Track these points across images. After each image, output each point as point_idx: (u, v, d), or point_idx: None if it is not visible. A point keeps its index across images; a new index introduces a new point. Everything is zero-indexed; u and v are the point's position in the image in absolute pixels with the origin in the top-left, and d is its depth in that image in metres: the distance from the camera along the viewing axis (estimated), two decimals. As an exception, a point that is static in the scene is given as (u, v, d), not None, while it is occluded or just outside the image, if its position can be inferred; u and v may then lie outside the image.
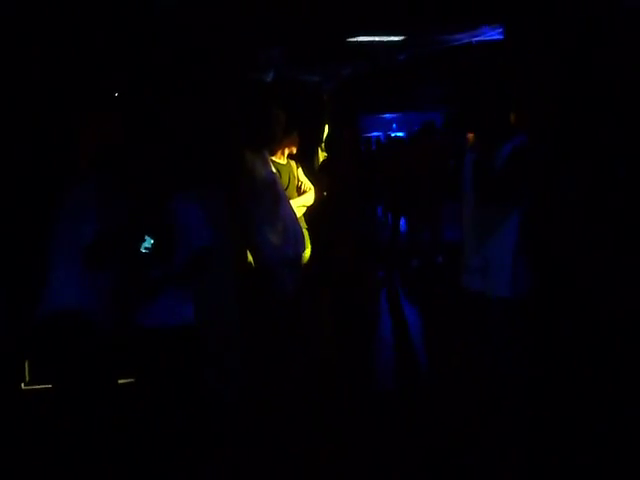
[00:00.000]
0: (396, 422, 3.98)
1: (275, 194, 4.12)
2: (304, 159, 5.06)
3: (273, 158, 4.33)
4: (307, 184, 4.65)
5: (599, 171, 3.13)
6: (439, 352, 5.17)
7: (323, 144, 6.91)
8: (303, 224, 4.59)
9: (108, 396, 3.03)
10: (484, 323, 3.10)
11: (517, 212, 2.87)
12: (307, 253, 4.55)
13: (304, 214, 4.63)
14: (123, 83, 4.13)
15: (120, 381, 3.14)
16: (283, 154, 4.51)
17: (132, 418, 3.19)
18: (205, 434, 3.39)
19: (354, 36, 5.69)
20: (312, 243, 4.63)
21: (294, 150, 4.62)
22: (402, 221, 8.82)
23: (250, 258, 4.22)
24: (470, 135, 4.17)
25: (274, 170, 4.18)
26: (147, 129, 3.59)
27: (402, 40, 6.15)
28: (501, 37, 5.49)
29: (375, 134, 17.08)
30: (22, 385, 4.38)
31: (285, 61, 5.93)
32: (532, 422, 3.01)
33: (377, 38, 6.03)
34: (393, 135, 15.85)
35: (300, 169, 4.67)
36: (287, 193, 4.34)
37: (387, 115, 18.22)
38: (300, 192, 4.59)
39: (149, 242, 3.10)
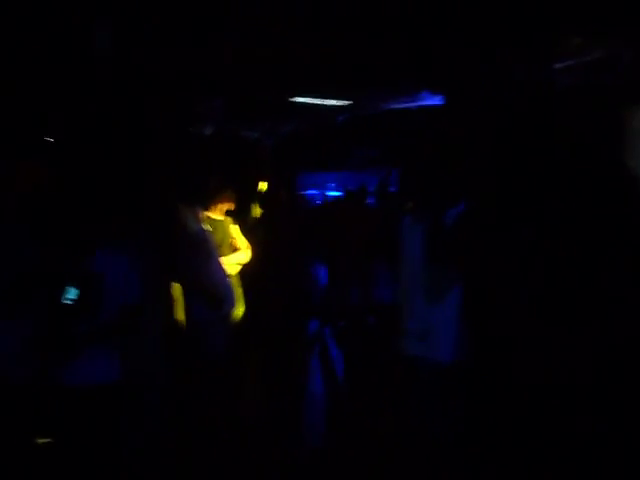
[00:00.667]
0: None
1: (206, 251, 4.00)
2: (240, 215, 4.97)
3: (209, 214, 4.20)
4: (241, 242, 4.52)
5: (541, 238, 3.14)
6: (368, 412, 5.06)
7: (259, 200, 6.86)
8: (237, 282, 4.44)
9: (22, 455, 2.78)
10: (418, 387, 3.04)
11: (461, 277, 2.84)
12: (239, 312, 4.40)
13: (238, 272, 4.49)
14: (56, 130, 4.00)
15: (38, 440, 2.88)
16: (219, 210, 4.37)
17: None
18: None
19: (296, 96, 5.71)
20: (245, 301, 4.48)
21: (232, 206, 4.48)
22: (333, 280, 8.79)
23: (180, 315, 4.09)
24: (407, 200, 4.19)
25: (207, 227, 4.06)
26: (78, 178, 3.42)
27: (344, 104, 6.22)
28: (441, 103, 5.63)
29: (312, 192, 17.16)
30: None
31: (225, 115, 5.89)
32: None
33: (319, 101, 6.08)
34: (330, 194, 15.93)
35: (236, 226, 4.54)
36: (221, 250, 4.21)
37: (324, 174, 18.38)
38: (233, 250, 4.45)
39: (73, 293, 2.93)
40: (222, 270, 4.13)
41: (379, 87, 5.24)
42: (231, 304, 4.18)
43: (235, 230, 4.52)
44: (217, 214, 4.33)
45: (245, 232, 4.73)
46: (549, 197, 3.03)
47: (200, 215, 4.10)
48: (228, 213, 4.52)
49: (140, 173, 3.96)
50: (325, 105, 6.32)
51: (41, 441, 2.92)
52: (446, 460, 2.97)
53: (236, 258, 4.40)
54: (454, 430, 2.96)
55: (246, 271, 4.59)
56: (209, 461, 3.96)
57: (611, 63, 3.83)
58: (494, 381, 3.37)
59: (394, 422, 4.50)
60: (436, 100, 5.82)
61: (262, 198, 5.35)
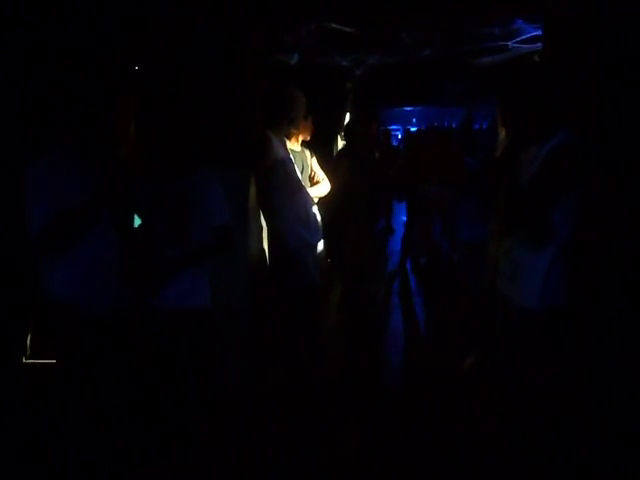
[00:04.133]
0: (403, 420, 3.89)
1: (294, 179, 4.01)
2: (322, 146, 4.90)
3: (287, 143, 4.16)
4: (320, 174, 4.45)
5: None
6: (449, 351, 5.04)
7: (343, 132, 6.76)
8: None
9: (117, 378, 2.92)
10: (507, 330, 2.94)
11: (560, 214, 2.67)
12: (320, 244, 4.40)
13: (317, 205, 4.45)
14: (146, 63, 4.04)
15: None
16: (297, 140, 4.30)
17: (142, 399, 3.11)
18: (210, 421, 3.32)
19: (387, 26, 5.54)
20: (325, 234, 4.46)
21: (307, 137, 4.39)
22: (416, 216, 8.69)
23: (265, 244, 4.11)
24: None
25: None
26: (168, 106, 3.44)
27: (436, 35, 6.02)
28: (535, 34, 5.35)
29: (394, 127, 16.93)
30: (23, 359, 4.30)
31: (315, 42, 5.77)
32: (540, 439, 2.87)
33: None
34: (412, 129, 15.65)
35: (314, 158, 4.46)
36: (300, 182, 4.18)
37: (407, 108, 18.01)
38: (313, 182, 4.39)
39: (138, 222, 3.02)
40: (311, 198, 4.16)
41: (472, 14, 4.99)
42: (320, 233, 4.22)
43: (314, 162, 4.45)
44: (295, 144, 4.26)
45: (326, 164, 4.67)
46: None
47: (286, 143, 4.09)
48: (310, 143, 4.45)
49: (229, 102, 3.96)
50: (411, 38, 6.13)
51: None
52: (527, 409, 2.88)
53: (316, 191, 4.33)
54: (537, 378, 2.84)
55: (325, 204, 4.54)
56: (292, 398, 4.02)
57: None
58: (590, 334, 3.26)
59: (475, 362, 4.48)
60: (532, 31, 5.56)
61: (346, 130, 5.23)
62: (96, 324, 2.78)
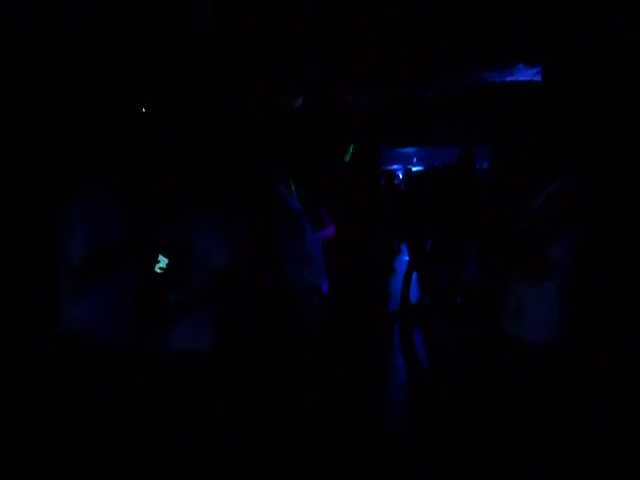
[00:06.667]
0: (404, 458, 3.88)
1: (300, 224, 4.03)
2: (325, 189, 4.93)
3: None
4: (326, 218, 4.46)
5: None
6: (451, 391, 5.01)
7: (344, 175, 6.81)
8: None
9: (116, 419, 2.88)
10: (512, 365, 2.96)
11: (561, 258, 2.73)
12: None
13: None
14: (160, 100, 4.09)
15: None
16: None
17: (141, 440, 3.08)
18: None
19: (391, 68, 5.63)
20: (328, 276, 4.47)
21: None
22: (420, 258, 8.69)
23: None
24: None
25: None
26: (171, 149, 3.48)
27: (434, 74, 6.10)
28: (537, 77, 5.42)
29: (395, 167, 17.03)
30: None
31: (318, 86, 5.86)
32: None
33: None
34: (413, 169, 15.74)
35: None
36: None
37: (408, 149, 18.16)
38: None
39: (164, 262, 3.00)
40: (315, 240, 4.17)
41: (472, 60, 5.09)
42: (323, 275, 4.22)
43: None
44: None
45: (330, 206, 4.70)
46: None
47: (292, 186, 4.13)
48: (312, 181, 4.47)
49: (235, 145, 4.01)
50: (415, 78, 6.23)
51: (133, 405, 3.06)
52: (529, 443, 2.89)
53: (321, 233, 4.37)
54: (540, 413, 2.87)
55: (329, 246, 4.56)
56: (291, 432, 4.00)
57: None
58: (590, 368, 3.28)
59: (478, 402, 4.46)
60: (531, 74, 5.64)
61: (347, 170, 5.28)
62: (106, 359, 2.79)
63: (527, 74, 5.61)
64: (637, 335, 3.15)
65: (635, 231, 3.22)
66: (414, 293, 8.15)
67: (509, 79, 5.95)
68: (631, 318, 3.19)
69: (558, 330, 2.76)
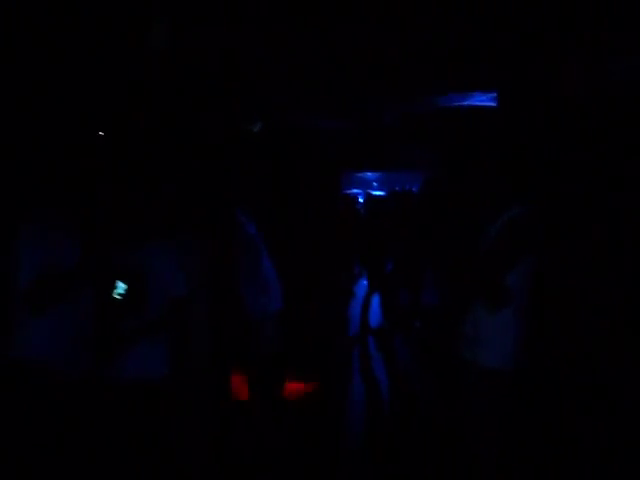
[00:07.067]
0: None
1: (258, 253, 4.01)
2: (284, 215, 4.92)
3: None
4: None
5: (609, 238, 3.05)
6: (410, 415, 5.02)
7: (303, 201, 6.80)
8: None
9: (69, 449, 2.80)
10: (468, 391, 2.97)
11: (522, 284, 2.77)
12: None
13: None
14: (108, 126, 4.04)
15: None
16: None
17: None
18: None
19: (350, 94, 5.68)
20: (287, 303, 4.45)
21: None
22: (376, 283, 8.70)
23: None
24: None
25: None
26: (126, 174, 3.44)
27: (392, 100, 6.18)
28: (492, 103, 5.52)
29: (355, 191, 17.14)
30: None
31: (280, 108, 5.88)
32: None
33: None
34: (373, 194, 15.85)
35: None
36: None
37: (368, 174, 18.32)
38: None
39: (122, 288, 2.94)
40: (272, 266, 4.14)
41: (429, 86, 5.17)
42: (280, 301, 4.19)
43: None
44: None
45: (289, 232, 4.69)
46: (618, 197, 2.93)
47: (251, 216, 4.10)
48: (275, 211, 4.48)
49: (191, 173, 3.98)
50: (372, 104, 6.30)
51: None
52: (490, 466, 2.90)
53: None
54: (495, 439, 2.88)
55: (289, 273, 4.54)
56: (252, 456, 3.94)
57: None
58: (549, 393, 3.30)
59: (435, 426, 4.46)
60: (486, 99, 5.73)
61: (307, 199, 5.29)
62: (60, 388, 2.74)
63: (483, 99, 5.71)
64: (591, 362, 3.17)
65: (590, 259, 3.26)
66: (374, 317, 8.15)
67: (465, 103, 6.05)
68: (587, 346, 3.22)
69: (513, 357, 2.79)
